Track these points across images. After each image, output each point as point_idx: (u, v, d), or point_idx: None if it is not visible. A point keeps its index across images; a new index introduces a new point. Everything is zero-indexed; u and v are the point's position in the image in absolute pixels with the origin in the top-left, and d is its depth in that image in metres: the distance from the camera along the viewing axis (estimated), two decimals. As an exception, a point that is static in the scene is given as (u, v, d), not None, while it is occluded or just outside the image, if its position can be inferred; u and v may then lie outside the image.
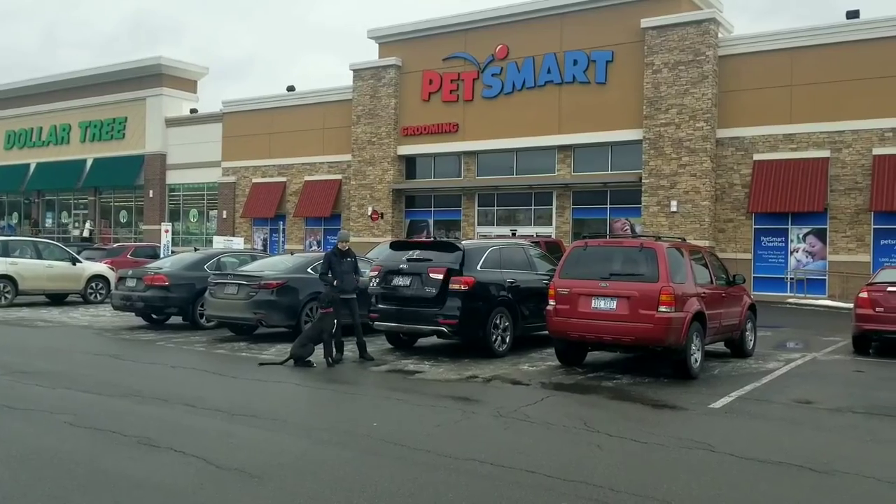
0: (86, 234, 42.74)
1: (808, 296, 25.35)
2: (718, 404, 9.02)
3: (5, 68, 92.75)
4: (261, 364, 11.57)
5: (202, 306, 15.60)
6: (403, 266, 12.65)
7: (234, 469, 6.14)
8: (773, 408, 8.94)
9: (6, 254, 20.64)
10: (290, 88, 38.33)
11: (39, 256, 21.29)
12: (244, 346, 13.64)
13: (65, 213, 47.77)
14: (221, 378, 10.52)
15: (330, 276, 11.97)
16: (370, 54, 35.60)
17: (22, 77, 50.70)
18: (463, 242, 13.10)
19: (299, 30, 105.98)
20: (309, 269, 14.56)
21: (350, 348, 12.46)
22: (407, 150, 33.81)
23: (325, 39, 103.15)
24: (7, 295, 20.35)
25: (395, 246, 13.83)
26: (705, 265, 12.02)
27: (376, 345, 13.46)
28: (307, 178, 36.94)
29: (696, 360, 10.74)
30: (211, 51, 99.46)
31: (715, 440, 7.25)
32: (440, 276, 12.15)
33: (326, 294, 11.89)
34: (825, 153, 25.50)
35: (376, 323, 12.88)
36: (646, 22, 27.77)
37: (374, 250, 19.69)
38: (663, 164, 27.45)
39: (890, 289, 13.46)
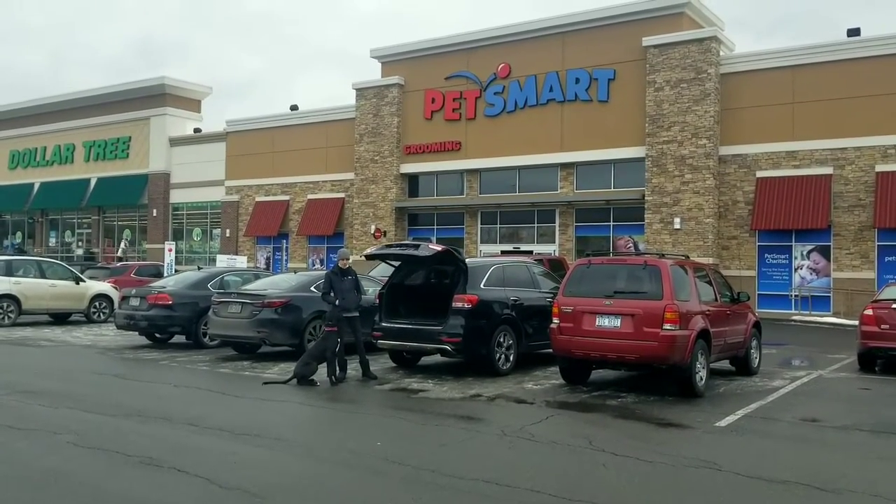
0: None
1: (812, 313, 25.28)
2: (724, 423, 8.97)
3: (12, 88, 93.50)
4: (265, 383, 11.54)
5: (205, 325, 15.58)
6: (406, 242, 13.01)
7: (238, 489, 6.11)
8: (779, 426, 8.89)
9: (10, 273, 20.66)
10: (294, 107, 38.52)
11: (43, 275, 21.30)
12: (247, 365, 13.61)
13: (68, 233, 47.90)
14: (225, 397, 10.49)
15: (332, 295, 11.96)
16: (373, 73, 35.79)
17: (29, 97, 50.91)
18: (467, 261, 13.09)
19: (303, 50, 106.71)
20: (312, 288, 14.54)
21: (353, 367, 12.43)
22: (410, 168, 33.91)
23: (329, 59, 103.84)
24: (10, 314, 20.36)
25: None
26: (709, 282, 12.00)
27: (379, 363, 13.42)
28: (310, 196, 37.03)
29: (702, 378, 10.69)
30: (215, 71, 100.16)
31: (721, 459, 7.21)
32: (437, 248, 12.33)
33: (331, 312, 11.87)
34: (828, 170, 25.52)
35: (380, 341, 12.86)
36: (647, 40, 27.89)
37: (377, 269, 19.67)
38: (666, 181, 27.48)
39: (895, 306, 13.42)
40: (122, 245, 43.66)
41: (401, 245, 12.98)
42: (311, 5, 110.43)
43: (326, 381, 11.52)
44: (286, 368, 12.65)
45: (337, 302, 11.88)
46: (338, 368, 11.75)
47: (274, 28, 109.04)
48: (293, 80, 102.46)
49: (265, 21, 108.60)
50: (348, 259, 12.47)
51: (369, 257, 13.54)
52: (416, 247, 12.62)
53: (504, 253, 28.45)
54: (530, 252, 27.91)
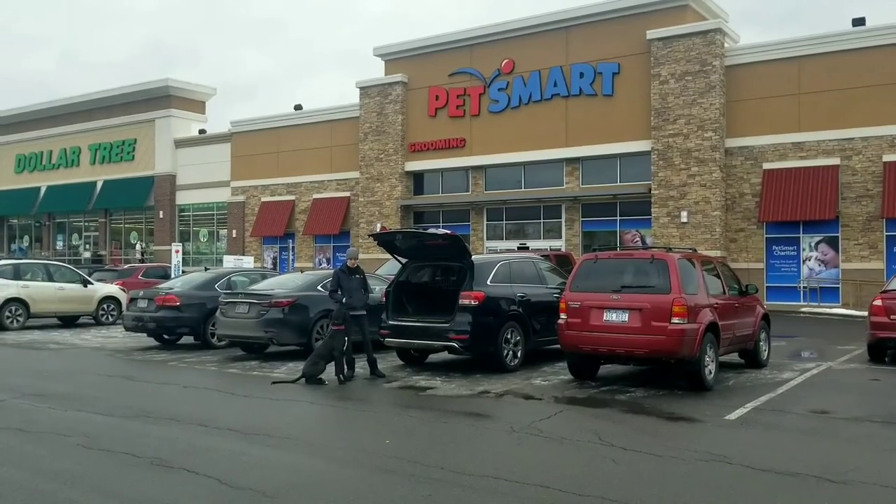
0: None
1: (821, 304, 25.19)
2: (734, 416, 8.94)
3: (25, 91, 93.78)
4: (273, 383, 11.55)
5: (213, 326, 15.60)
6: (414, 230, 13.18)
7: (248, 489, 6.11)
8: (789, 418, 8.86)
9: (18, 277, 20.73)
10: (298, 107, 38.52)
11: (51, 279, 21.35)
12: (256, 365, 13.63)
13: (75, 236, 48.03)
14: (234, 397, 10.50)
15: (339, 293, 11.98)
16: (376, 72, 35.76)
17: (40, 100, 51.01)
18: (473, 257, 13.08)
19: (311, 52, 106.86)
20: (319, 287, 14.55)
21: (361, 365, 12.43)
22: (414, 165, 33.90)
23: (336, 61, 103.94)
24: (19, 318, 20.41)
25: None
26: (717, 276, 11.96)
27: (387, 361, 13.42)
28: (315, 195, 37.06)
29: (711, 372, 10.65)
30: (224, 73, 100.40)
31: (731, 452, 7.18)
32: (446, 232, 12.57)
33: (338, 311, 11.86)
34: (835, 161, 25.41)
35: (387, 339, 12.86)
36: (651, 33, 27.81)
37: (384, 267, 19.68)
38: (672, 174, 27.41)
39: (904, 296, 13.35)
40: (139, 246, 43.97)
41: (409, 231, 13.11)
42: (319, 8, 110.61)
43: (334, 379, 11.52)
44: (294, 368, 12.66)
45: (344, 300, 11.89)
46: (346, 367, 11.74)
47: (282, 31, 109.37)
48: (300, 82, 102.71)
49: (274, 24, 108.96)
50: (357, 258, 12.49)
51: (376, 237, 13.69)
52: (425, 228, 12.78)
53: (520, 249, 28.42)
54: (541, 249, 27.86)
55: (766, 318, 13.06)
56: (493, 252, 28.18)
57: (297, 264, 36.44)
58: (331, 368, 11.64)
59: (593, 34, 29.49)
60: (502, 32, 31.57)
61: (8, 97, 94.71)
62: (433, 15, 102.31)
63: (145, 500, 5.92)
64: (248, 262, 30.95)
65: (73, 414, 9.24)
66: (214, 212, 41.76)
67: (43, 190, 48.22)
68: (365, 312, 12.23)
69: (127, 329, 17.04)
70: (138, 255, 43.28)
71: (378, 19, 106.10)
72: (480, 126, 32.02)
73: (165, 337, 16.94)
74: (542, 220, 31.37)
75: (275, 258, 38.49)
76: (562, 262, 18.12)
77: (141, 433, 8.17)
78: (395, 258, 13.99)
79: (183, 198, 42.74)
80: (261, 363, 13.88)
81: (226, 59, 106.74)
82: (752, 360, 12.70)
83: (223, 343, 15.86)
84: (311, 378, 11.40)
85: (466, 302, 12.09)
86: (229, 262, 30.56)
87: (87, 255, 45.98)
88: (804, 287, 25.98)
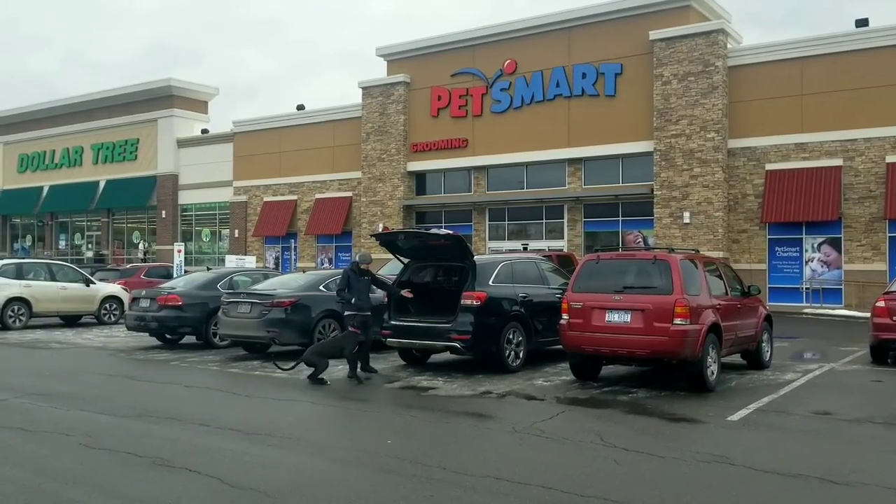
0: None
1: (824, 306, 25.16)
2: (736, 417, 8.93)
3: (28, 91, 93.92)
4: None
5: (215, 325, 15.61)
6: (416, 230, 13.23)
7: (250, 489, 6.11)
8: (792, 419, 8.85)
9: (20, 276, 20.74)
10: (300, 107, 38.52)
11: (53, 278, 21.36)
12: (258, 365, 13.63)
13: (78, 235, 48.08)
14: (236, 397, 10.50)
15: (347, 292, 12.01)
16: (379, 72, 35.76)
17: (42, 99, 51.04)
18: (475, 258, 13.07)
19: (314, 52, 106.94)
20: (321, 287, 14.56)
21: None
22: (417, 166, 33.90)
23: (340, 61, 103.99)
24: (21, 317, 20.42)
25: None
26: (720, 276, 11.94)
27: (389, 361, 13.42)
28: (318, 195, 37.06)
29: (713, 373, 10.64)
30: (226, 72, 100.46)
31: (733, 453, 7.17)
32: (448, 233, 12.73)
33: (360, 318, 11.94)
34: (838, 162, 25.37)
35: (389, 339, 12.85)
36: (654, 34, 27.79)
37: (386, 267, 19.68)
38: (675, 175, 27.39)
39: (907, 297, 13.33)
40: (142, 246, 44.07)
41: (411, 231, 13.10)
42: (321, 8, 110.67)
43: (335, 380, 11.52)
44: (295, 368, 12.64)
45: (353, 300, 11.92)
46: (352, 367, 11.81)
47: (285, 31, 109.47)
48: (303, 82, 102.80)
49: (276, 24, 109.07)
50: (370, 262, 12.50)
51: (378, 237, 13.70)
52: (428, 228, 12.80)
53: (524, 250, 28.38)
54: (541, 249, 27.84)
55: (768, 319, 13.04)
56: (496, 252, 28.20)
57: (299, 264, 36.44)
58: (332, 369, 11.64)
59: (596, 35, 29.47)
60: (505, 33, 31.57)
61: (11, 97, 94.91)
62: (436, 15, 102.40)
63: (147, 499, 5.92)
64: (250, 261, 30.99)
65: (76, 413, 9.25)
66: (217, 211, 41.78)
67: (45, 189, 48.27)
68: (370, 312, 12.26)
69: (129, 329, 17.05)
70: (140, 255, 43.39)
71: (381, 19, 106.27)
72: (483, 126, 32.02)
73: (168, 336, 16.94)
74: (544, 221, 31.36)
75: (277, 258, 38.50)
76: (564, 263, 18.11)
77: (143, 433, 8.18)
78: (398, 258, 13.99)
79: (185, 197, 42.77)
80: (263, 363, 13.88)
81: (228, 59, 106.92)
82: (755, 361, 12.68)
83: (225, 343, 15.87)
84: (314, 378, 11.41)
85: (468, 302, 12.09)
86: (231, 261, 30.61)
87: (90, 254, 46.03)
88: (807, 288, 25.95)
